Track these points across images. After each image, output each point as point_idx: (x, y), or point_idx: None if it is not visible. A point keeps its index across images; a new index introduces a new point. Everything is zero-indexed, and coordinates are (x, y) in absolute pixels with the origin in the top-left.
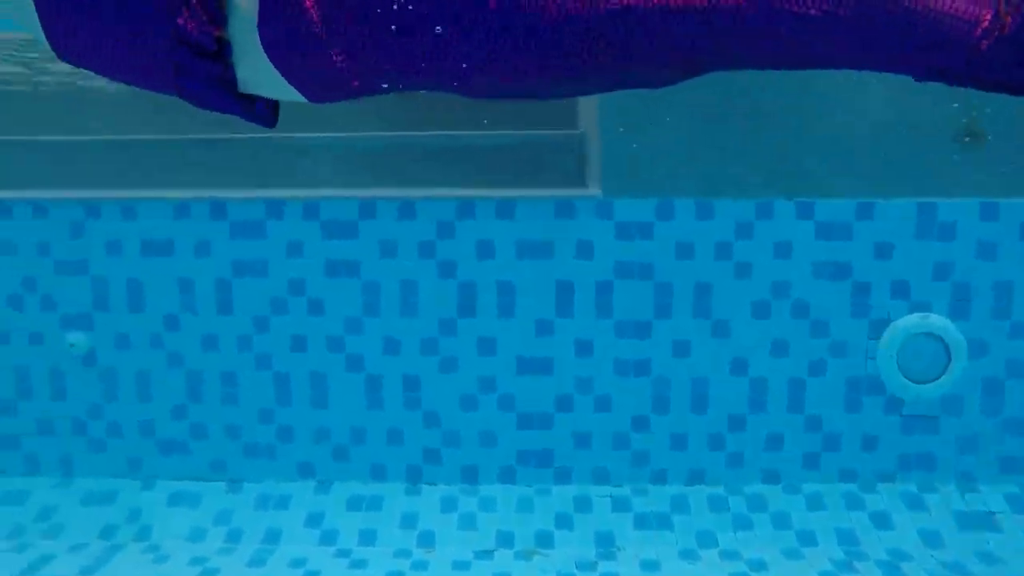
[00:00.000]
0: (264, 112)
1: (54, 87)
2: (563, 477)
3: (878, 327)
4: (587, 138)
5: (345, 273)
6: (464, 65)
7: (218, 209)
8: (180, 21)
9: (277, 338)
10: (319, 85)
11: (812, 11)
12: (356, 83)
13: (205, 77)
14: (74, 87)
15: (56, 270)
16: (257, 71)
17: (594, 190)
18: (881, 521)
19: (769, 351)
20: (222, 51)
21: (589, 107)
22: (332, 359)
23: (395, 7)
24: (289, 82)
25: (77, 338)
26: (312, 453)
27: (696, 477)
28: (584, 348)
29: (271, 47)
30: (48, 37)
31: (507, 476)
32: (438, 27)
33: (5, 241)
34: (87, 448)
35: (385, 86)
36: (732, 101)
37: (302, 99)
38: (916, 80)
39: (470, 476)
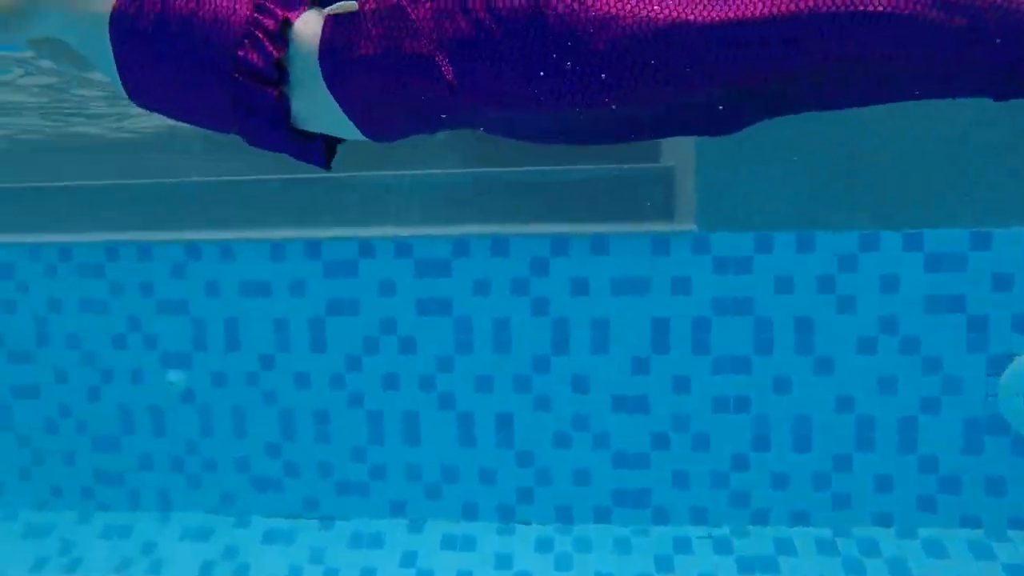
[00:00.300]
0: (318, 150)
1: (152, 131)
2: (661, 517)
3: (999, 363)
4: (675, 172)
5: (437, 311)
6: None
7: (312, 249)
8: (240, 53)
9: (369, 376)
10: (376, 120)
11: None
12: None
13: (261, 106)
14: (171, 131)
15: (158, 310)
16: (315, 103)
17: (687, 224)
18: (1017, 572)
19: (876, 388)
20: (280, 79)
21: (679, 141)
22: (424, 397)
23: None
24: (348, 116)
25: (176, 376)
26: (405, 491)
27: (800, 518)
28: (681, 385)
29: (331, 78)
30: (123, 82)
31: (602, 516)
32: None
33: (112, 282)
34: (185, 484)
35: (438, 125)
36: (830, 130)
37: (359, 135)
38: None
39: (564, 516)
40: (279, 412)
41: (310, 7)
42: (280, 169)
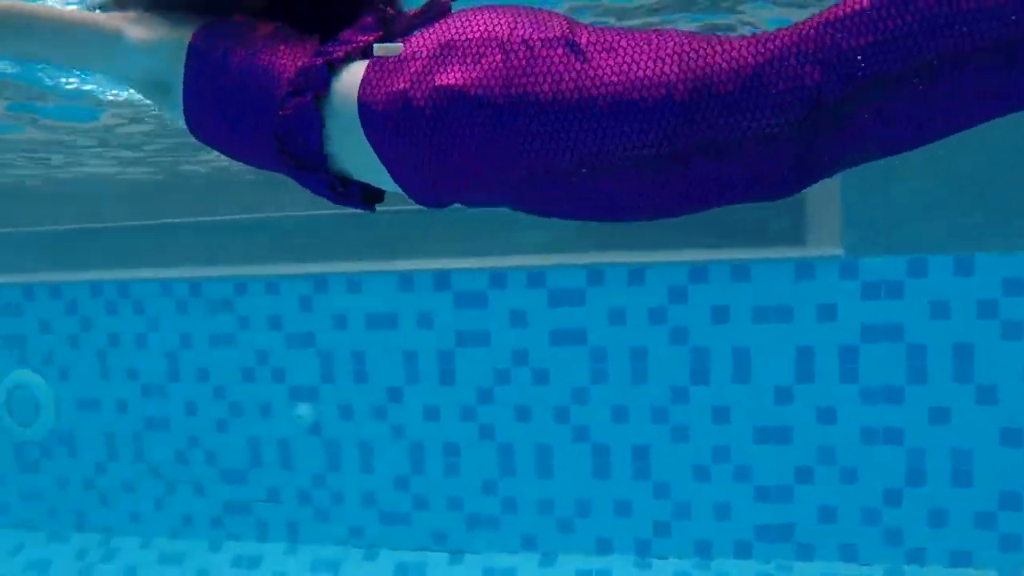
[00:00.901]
0: (355, 196)
1: None
2: (805, 553)
3: None
4: (806, 197)
5: (571, 342)
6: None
7: (441, 280)
8: (286, 97)
9: (501, 409)
10: (408, 169)
11: None
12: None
13: (302, 152)
14: None
15: (287, 343)
16: (355, 153)
17: (830, 249)
18: None
19: None
20: (321, 125)
21: None
22: (558, 430)
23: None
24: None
25: (304, 409)
26: (536, 525)
27: (961, 559)
28: (827, 415)
29: (368, 124)
30: (186, 111)
31: (743, 551)
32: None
33: (241, 317)
34: (312, 516)
35: (474, 198)
36: (988, 144)
37: (394, 186)
38: None
39: (703, 550)
40: (408, 445)
41: (361, 57)
42: (407, 200)
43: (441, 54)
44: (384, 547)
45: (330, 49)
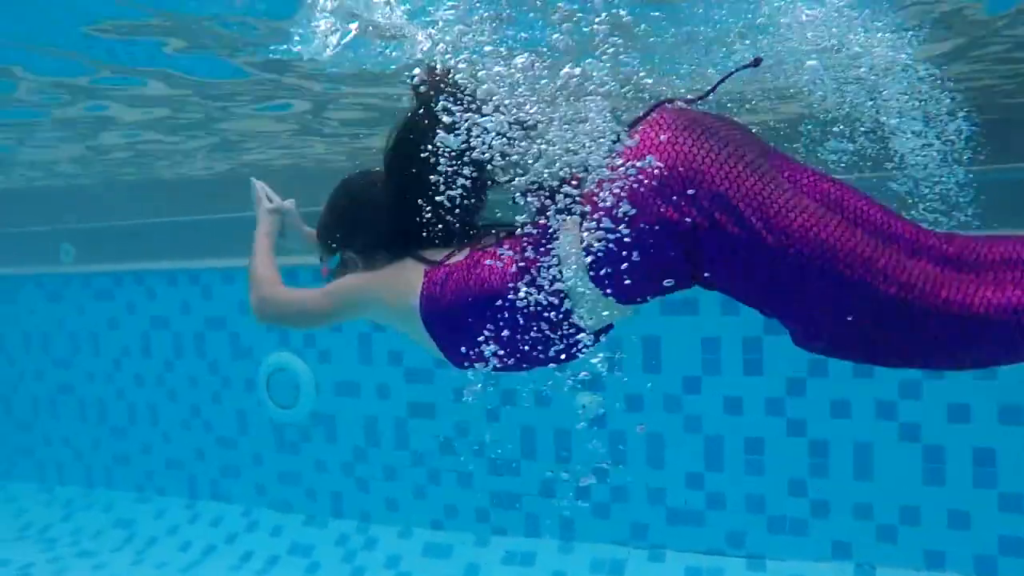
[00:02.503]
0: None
1: None
2: None
3: None
4: None
5: None
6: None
7: None
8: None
9: (814, 402)
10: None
11: None
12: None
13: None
14: None
15: None
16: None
17: None
18: None
19: None
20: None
21: None
22: (882, 426)
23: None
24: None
25: (589, 399)
26: (851, 531)
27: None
28: None
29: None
30: (440, 348)
31: None
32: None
33: None
34: (591, 512)
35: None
36: None
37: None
38: None
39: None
40: (704, 439)
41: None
42: None
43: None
44: (670, 548)
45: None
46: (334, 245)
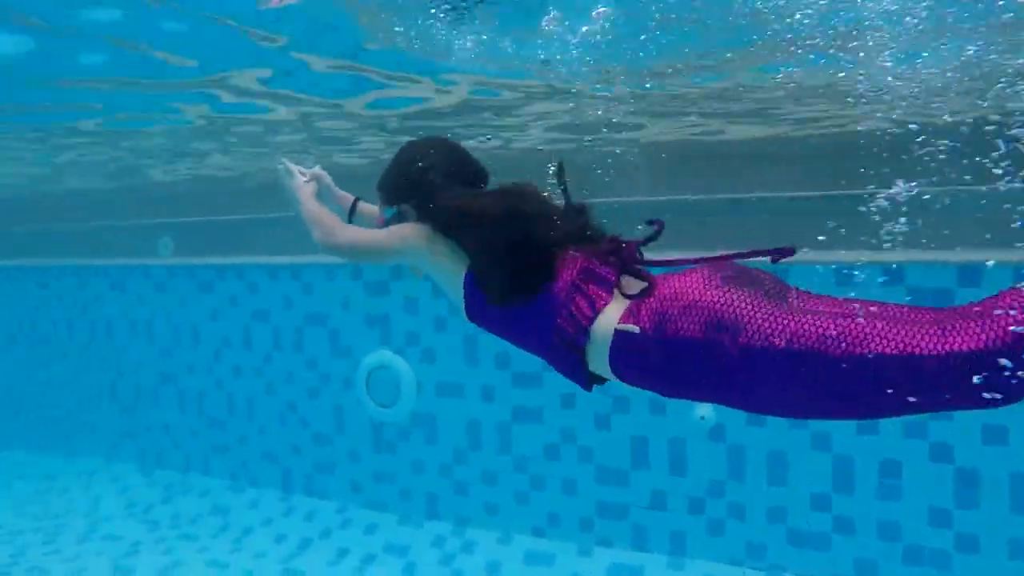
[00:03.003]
0: (594, 384)
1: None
2: None
3: None
4: None
5: None
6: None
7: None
8: (558, 321)
9: (962, 426)
10: (632, 378)
11: None
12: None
13: (567, 357)
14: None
15: None
16: (601, 366)
17: None
18: None
19: None
20: (582, 346)
21: None
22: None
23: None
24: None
25: (707, 410)
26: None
27: None
28: None
29: (614, 366)
30: (466, 308)
31: None
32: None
33: None
34: (704, 528)
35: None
36: None
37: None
38: None
39: None
40: (833, 459)
41: (614, 298)
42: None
43: (676, 315)
44: (788, 572)
45: (589, 302)
46: (396, 197)
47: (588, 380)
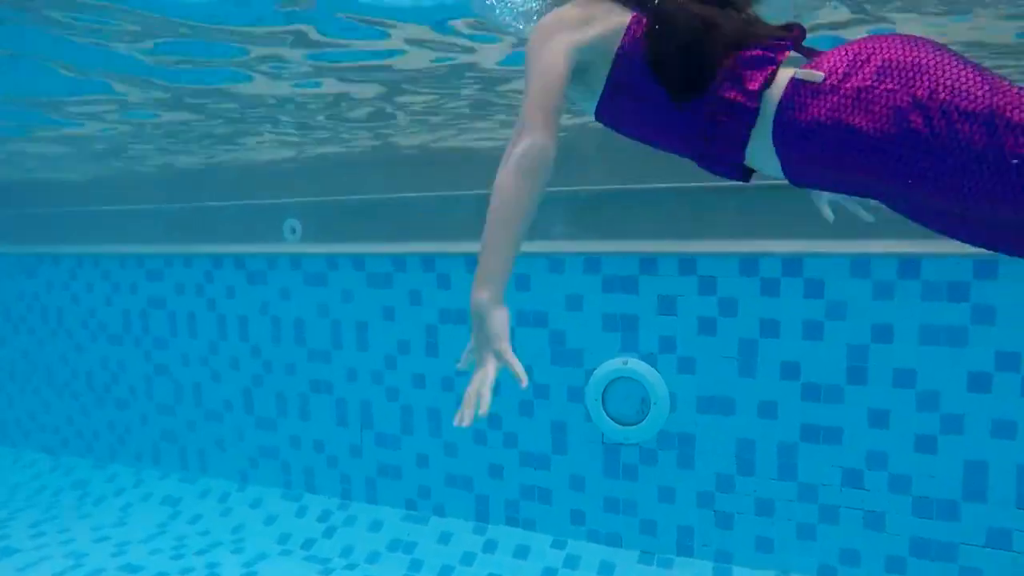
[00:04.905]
0: (747, 175)
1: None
2: None
3: None
4: None
5: None
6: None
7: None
8: (722, 92)
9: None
10: (803, 172)
11: None
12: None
13: (727, 140)
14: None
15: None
16: (761, 147)
17: None
18: None
19: None
20: (751, 120)
21: None
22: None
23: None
24: (782, 165)
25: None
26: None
27: None
28: None
29: (777, 135)
30: (599, 113)
31: None
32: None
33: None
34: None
35: (852, 192)
36: None
37: (781, 176)
38: None
39: None
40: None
41: (783, 64)
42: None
43: (857, 98)
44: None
45: (757, 75)
46: None
47: (744, 170)
